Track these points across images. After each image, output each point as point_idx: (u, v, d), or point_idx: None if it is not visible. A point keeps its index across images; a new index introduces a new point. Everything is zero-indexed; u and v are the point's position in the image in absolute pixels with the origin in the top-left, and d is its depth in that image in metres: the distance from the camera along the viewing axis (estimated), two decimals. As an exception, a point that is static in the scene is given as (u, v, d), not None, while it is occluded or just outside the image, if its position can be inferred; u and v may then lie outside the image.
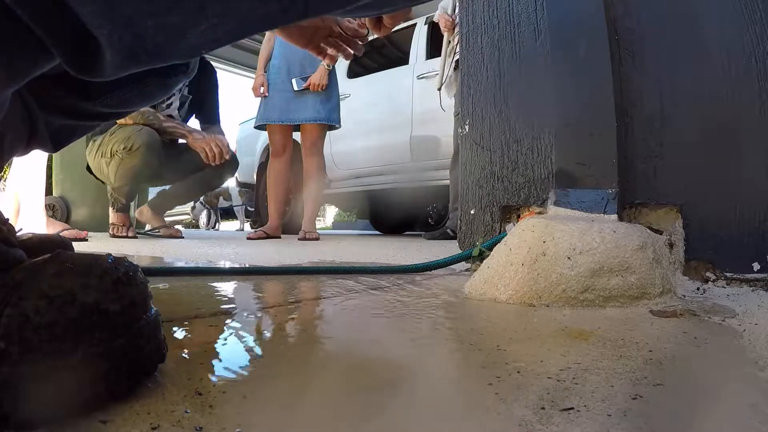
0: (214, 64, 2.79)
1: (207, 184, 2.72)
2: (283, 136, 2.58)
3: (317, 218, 2.85)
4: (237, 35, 0.30)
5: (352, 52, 0.74)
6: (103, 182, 2.47)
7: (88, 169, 2.50)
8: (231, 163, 2.54)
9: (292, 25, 0.68)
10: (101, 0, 0.25)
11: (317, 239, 2.52)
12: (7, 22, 0.24)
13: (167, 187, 2.76)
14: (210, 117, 2.61)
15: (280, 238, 2.60)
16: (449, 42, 2.52)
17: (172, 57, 0.29)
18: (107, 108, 0.44)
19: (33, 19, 0.24)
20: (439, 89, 2.61)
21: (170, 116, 2.45)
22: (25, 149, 0.44)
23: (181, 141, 2.48)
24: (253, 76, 2.70)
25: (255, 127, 2.75)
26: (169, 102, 2.42)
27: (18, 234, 0.35)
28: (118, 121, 2.25)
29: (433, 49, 3.48)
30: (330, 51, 0.73)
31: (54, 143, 0.46)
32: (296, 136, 2.72)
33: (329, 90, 2.53)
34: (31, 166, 1.91)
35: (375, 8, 0.41)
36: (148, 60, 0.29)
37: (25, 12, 0.24)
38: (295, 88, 2.46)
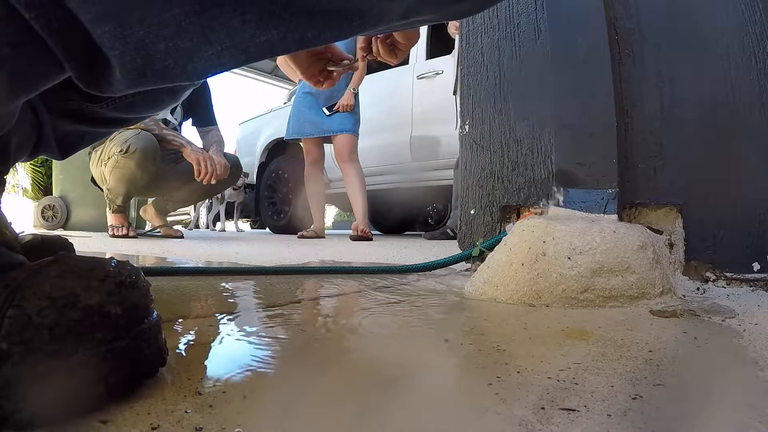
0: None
1: (208, 191, 2.73)
2: (317, 147, 2.93)
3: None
4: (241, 61, 0.31)
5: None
6: (102, 190, 2.44)
7: (93, 181, 2.49)
8: (231, 174, 2.51)
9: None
10: (115, 22, 0.25)
11: (371, 239, 2.68)
12: (23, 35, 0.25)
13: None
14: (205, 120, 2.59)
15: (324, 237, 2.92)
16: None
17: (178, 79, 0.31)
18: (114, 112, 0.44)
19: (48, 34, 0.25)
20: (455, 94, 2.43)
21: (166, 120, 2.43)
22: (32, 154, 0.44)
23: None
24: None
25: (286, 139, 3.07)
26: None
27: (20, 235, 0.35)
28: None
29: (434, 48, 3.48)
30: (325, 85, 0.75)
31: (60, 150, 0.46)
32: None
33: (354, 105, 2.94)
34: None
35: (373, 32, 0.41)
36: (155, 81, 0.30)
37: (41, 26, 0.25)
38: (327, 114, 2.79)
